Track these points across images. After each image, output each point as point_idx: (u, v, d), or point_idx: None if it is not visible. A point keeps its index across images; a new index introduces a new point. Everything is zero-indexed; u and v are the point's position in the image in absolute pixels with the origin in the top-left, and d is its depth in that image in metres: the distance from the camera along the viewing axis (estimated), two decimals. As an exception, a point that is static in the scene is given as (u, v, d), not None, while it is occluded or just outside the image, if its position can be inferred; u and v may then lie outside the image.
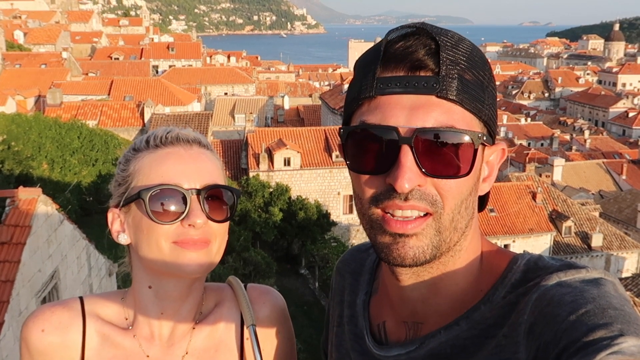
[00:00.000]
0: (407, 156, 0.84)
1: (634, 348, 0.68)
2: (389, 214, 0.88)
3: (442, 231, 0.88)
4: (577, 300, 0.78)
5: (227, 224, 1.18)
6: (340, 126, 0.95)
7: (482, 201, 0.99)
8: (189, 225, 1.09)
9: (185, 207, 1.09)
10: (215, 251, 1.14)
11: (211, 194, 1.13)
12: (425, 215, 0.87)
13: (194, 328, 1.23)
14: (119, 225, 1.17)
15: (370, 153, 0.88)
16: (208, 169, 1.15)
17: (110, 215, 1.19)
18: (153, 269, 1.14)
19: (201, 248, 1.11)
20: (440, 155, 0.86)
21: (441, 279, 0.94)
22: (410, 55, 0.86)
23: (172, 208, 1.09)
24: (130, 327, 1.21)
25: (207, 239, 1.12)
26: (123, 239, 1.17)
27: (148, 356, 1.20)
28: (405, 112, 0.85)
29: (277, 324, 1.31)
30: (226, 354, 1.25)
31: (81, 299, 1.23)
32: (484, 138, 0.89)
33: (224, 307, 1.27)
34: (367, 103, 0.89)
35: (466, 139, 0.86)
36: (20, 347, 1.21)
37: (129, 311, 1.23)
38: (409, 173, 0.84)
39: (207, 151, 1.19)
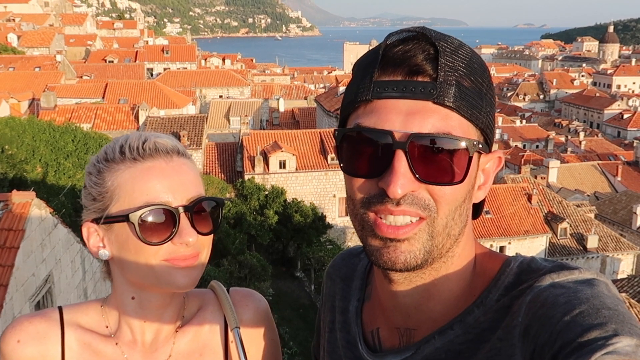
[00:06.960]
0: (401, 161, 0.83)
1: (629, 348, 0.69)
2: (380, 218, 0.87)
3: (435, 236, 0.87)
4: (571, 301, 0.78)
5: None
6: (335, 128, 0.94)
7: (477, 208, 0.98)
8: (181, 243, 1.07)
9: (176, 226, 1.06)
10: (203, 261, 1.13)
11: (198, 208, 1.10)
12: (419, 220, 0.86)
13: (176, 332, 1.22)
14: (98, 240, 1.12)
15: (364, 156, 0.87)
16: (191, 181, 1.12)
17: (85, 230, 1.12)
18: (140, 284, 1.12)
19: (193, 263, 1.10)
20: (435, 162, 0.84)
21: (434, 284, 0.93)
22: (408, 60, 0.85)
23: (162, 228, 1.06)
24: (112, 335, 1.19)
25: (197, 253, 1.10)
26: (104, 255, 1.12)
27: None
28: (401, 117, 0.84)
29: (260, 326, 1.30)
30: (211, 357, 1.24)
31: (60, 308, 1.21)
32: (480, 146, 0.88)
33: (207, 311, 1.27)
34: (364, 106, 0.88)
35: (462, 145, 0.85)
36: None
37: (109, 318, 1.21)
38: (402, 179, 0.83)
39: (186, 160, 1.15)
